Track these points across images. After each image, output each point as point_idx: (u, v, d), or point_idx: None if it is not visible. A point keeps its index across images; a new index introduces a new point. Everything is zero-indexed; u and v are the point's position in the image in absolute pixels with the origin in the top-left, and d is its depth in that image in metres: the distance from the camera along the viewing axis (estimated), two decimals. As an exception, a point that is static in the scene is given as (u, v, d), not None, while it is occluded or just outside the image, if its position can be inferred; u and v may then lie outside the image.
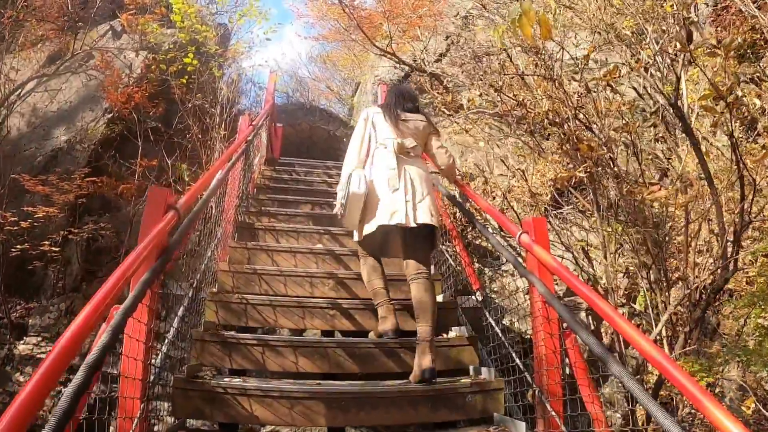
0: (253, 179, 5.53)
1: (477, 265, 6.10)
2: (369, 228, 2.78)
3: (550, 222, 4.89)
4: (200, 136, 5.65)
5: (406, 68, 10.56)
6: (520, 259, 2.66)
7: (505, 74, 6.23)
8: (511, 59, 6.01)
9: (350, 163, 2.93)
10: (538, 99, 5.51)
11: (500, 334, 3.10)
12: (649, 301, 3.78)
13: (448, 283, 3.93)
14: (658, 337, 3.41)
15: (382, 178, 2.80)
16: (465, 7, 12.33)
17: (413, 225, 2.70)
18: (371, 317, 3.09)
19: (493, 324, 3.28)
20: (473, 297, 3.75)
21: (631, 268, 4.86)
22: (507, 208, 6.89)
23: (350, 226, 2.97)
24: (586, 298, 1.94)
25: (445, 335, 3.14)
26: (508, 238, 5.20)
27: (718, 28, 6.64)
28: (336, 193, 3.01)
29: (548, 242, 2.64)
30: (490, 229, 3.19)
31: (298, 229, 4.30)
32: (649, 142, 6.42)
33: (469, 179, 7.63)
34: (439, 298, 3.43)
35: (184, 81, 6.02)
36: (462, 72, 10.88)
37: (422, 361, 2.56)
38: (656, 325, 3.41)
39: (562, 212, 7.30)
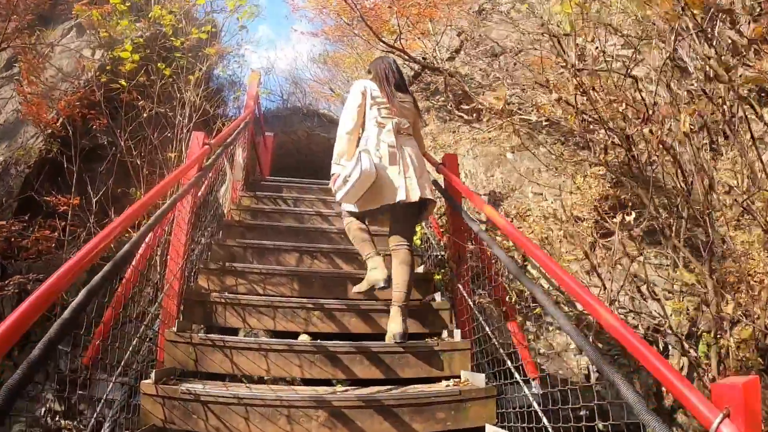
0: (227, 211, 4.09)
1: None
2: (371, 206, 2.76)
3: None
4: (152, 156, 4.21)
5: (416, 67, 9.08)
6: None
7: (541, 71, 4.77)
8: (562, 48, 4.52)
9: (344, 137, 2.84)
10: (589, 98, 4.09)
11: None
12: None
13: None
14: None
15: (384, 158, 2.75)
16: (478, 1, 10.81)
17: (415, 199, 2.71)
18: None
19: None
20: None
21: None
22: (545, 242, 5.43)
23: (349, 202, 2.81)
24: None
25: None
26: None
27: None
28: (332, 174, 2.87)
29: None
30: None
31: (275, 303, 2.83)
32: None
33: (494, 198, 6.16)
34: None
35: (144, 79, 4.55)
36: (480, 71, 9.40)
37: (395, 324, 2.64)
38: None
39: (609, 240, 5.80)
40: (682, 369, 4.12)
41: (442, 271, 3.72)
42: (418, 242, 3.86)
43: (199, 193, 3.36)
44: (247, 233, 3.80)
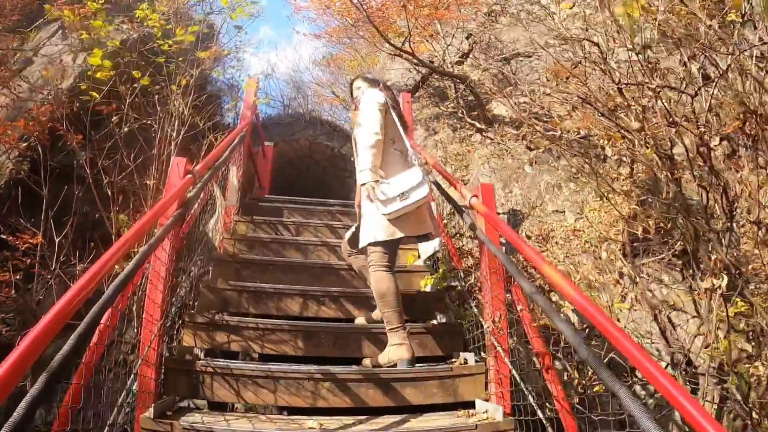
0: (219, 242, 3.51)
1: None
2: (399, 234, 2.55)
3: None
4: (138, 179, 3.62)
5: (424, 71, 8.50)
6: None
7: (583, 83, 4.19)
8: (602, 55, 3.94)
9: (377, 151, 2.55)
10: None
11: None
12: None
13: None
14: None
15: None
16: (488, 2, 10.23)
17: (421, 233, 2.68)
18: None
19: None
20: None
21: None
22: (571, 269, 4.88)
23: (372, 238, 2.56)
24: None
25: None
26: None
27: None
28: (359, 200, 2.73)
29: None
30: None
31: (275, 373, 2.22)
32: None
33: (514, 218, 5.59)
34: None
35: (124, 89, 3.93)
36: (492, 76, 8.84)
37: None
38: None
39: (641, 264, 5.29)
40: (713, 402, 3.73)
41: (466, 310, 3.16)
42: (444, 284, 3.29)
43: (183, 231, 2.77)
44: (243, 270, 3.21)
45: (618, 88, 4.20)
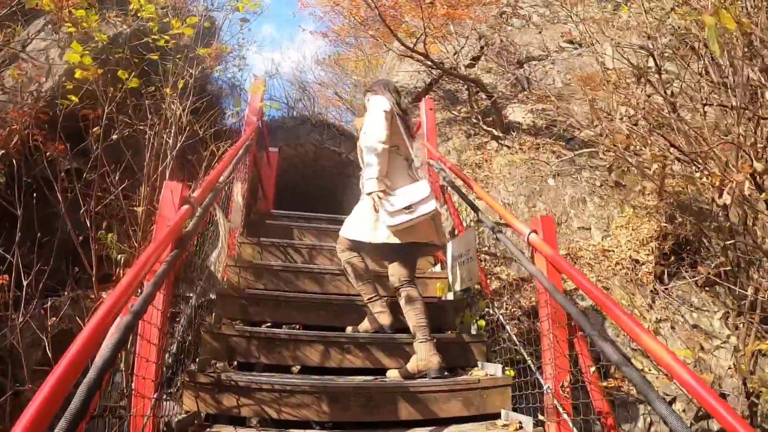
0: (223, 270, 2.99)
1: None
2: (396, 239, 2.46)
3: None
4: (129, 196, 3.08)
5: (434, 73, 8.01)
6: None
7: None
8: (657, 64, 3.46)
9: (382, 152, 2.47)
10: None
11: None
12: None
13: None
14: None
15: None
16: (502, 2, 9.76)
17: (425, 241, 2.56)
18: None
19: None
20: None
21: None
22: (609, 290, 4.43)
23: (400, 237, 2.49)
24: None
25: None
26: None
27: None
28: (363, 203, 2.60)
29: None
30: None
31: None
32: None
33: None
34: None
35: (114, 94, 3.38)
36: (505, 80, 8.36)
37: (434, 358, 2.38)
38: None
39: (671, 287, 4.89)
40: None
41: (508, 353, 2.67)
42: (482, 323, 2.79)
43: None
44: (250, 307, 2.70)
45: (671, 103, 3.74)
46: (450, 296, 3.09)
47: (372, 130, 2.52)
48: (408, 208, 2.42)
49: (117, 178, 2.98)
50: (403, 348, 2.53)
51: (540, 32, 9.49)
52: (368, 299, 2.66)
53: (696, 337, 4.33)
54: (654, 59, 3.61)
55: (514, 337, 2.62)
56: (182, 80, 3.97)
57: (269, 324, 2.80)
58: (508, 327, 2.67)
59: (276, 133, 7.07)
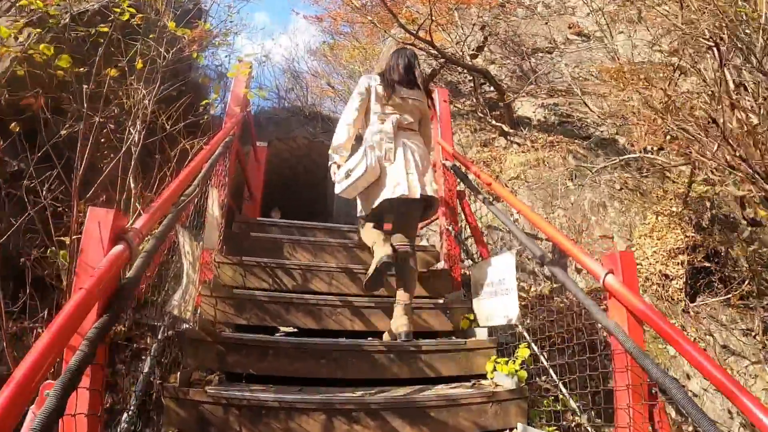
0: (194, 305, 2.34)
1: None
2: (376, 202, 2.56)
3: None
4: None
5: (435, 63, 7.33)
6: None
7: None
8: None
9: (345, 127, 2.72)
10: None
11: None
12: None
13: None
14: None
15: (384, 152, 2.58)
16: (507, -10, 9.10)
17: (417, 197, 2.53)
18: None
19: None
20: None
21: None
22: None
23: (347, 196, 2.70)
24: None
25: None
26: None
27: None
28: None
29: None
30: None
31: None
32: None
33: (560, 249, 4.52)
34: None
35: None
36: (510, 72, 7.73)
37: (398, 323, 2.39)
38: None
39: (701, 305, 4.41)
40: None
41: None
42: (524, 374, 2.18)
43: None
44: (229, 356, 2.06)
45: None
46: (481, 334, 2.47)
47: (345, 109, 2.80)
48: (347, 173, 2.61)
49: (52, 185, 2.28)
50: (424, 414, 1.91)
51: (546, 23, 8.85)
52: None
53: (725, 357, 3.80)
54: (718, 51, 2.98)
55: (568, 397, 2.02)
56: (150, 62, 3.27)
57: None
58: (558, 381, 2.06)
59: (266, 125, 6.38)
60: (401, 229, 2.63)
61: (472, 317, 2.60)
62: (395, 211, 2.62)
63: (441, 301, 2.78)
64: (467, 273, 2.90)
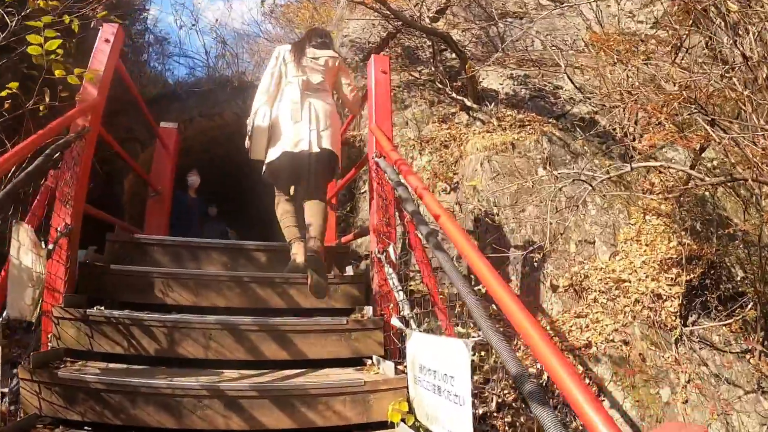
0: None
1: None
2: (274, 153, 2.62)
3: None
4: None
5: (390, 25, 6.23)
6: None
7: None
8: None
9: (259, 99, 2.75)
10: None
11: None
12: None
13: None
14: None
15: (286, 111, 2.65)
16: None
17: (316, 150, 2.57)
18: None
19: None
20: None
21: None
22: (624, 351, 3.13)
23: (258, 156, 2.70)
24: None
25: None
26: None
27: None
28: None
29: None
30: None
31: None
32: None
33: (531, 257, 3.69)
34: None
35: None
36: (474, 38, 6.71)
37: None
38: None
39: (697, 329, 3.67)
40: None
41: None
42: None
43: None
44: None
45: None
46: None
47: (258, 90, 2.81)
48: (248, 135, 2.71)
49: None
50: None
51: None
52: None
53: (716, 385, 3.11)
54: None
55: None
56: None
57: None
58: None
59: (186, 100, 5.25)
60: (311, 183, 2.63)
61: (405, 408, 1.72)
62: (304, 168, 2.62)
63: (361, 377, 1.89)
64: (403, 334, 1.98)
